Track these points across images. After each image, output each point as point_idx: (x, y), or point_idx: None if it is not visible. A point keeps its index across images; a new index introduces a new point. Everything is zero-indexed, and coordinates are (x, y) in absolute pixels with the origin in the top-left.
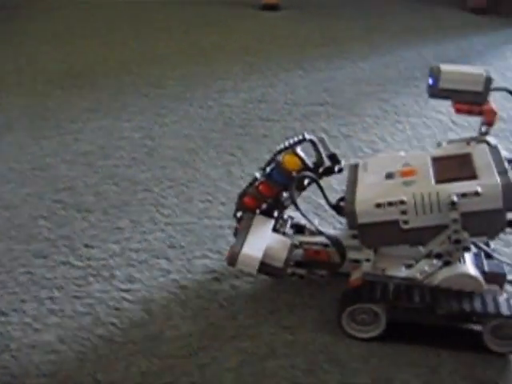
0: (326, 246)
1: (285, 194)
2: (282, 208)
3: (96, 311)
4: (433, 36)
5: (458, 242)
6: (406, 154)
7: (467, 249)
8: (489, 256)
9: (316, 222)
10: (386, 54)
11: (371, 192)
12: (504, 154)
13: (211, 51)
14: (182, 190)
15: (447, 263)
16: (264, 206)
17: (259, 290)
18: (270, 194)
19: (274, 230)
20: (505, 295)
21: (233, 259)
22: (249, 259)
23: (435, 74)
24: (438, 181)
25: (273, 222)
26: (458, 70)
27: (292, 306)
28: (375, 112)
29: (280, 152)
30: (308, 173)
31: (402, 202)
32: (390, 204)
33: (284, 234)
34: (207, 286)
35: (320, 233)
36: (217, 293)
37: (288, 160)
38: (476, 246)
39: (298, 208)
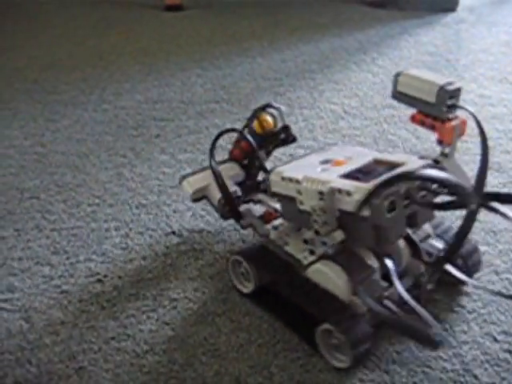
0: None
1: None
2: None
3: None
4: (332, 30)
5: (317, 232)
6: (363, 150)
7: (324, 243)
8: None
9: None
10: (285, 49)
11: (293, 168)
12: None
13: (110, 54)
14: (71, 195)
15: (312, 252)
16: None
17: (141, 288)
18: (247, 150)
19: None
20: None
21: (179, 181)
22: (187, 187)
23: (397, 75)
24: (343, 176)
25: (238, 171)
26: (417, 76)
27: (175, 301)
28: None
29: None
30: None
31: (298, 181)
32: (290, 180)
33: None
34: (90, 288)
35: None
36: (99, 295)
37: (256, 124)
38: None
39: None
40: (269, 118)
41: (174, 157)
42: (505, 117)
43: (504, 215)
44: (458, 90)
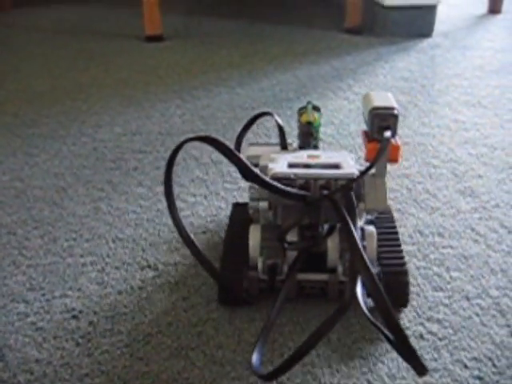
0: None
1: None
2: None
3: None
4: (309, 58)
5: None
6: (348, 157)
7: None
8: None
9: None
10: (263, 78)
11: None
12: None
13: (90, 86)
14: (48, 230)
15: None
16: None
17: (116, 323)
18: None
19: None
20: None
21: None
22: (245, 151)
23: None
24: (291, 165)
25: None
26: (370, 96)
27: (149, 335)
28: (247, 135)
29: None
30: None
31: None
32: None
33: None
34: (65, 325)
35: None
36: (74, 331)
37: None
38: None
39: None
40: (307, 113)
41: (150, 189)
42: (477, 141)
43: None
44: (392, 115)
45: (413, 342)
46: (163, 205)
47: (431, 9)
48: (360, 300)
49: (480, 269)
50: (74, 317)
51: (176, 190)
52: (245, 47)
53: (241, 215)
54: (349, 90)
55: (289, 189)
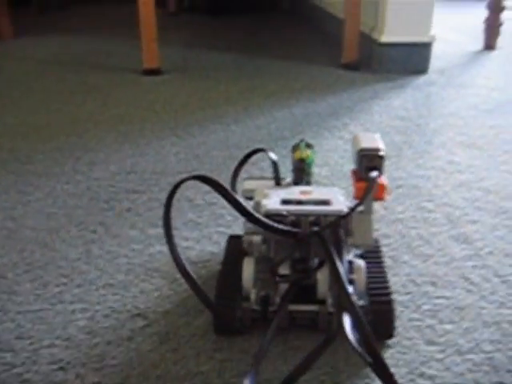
0: None
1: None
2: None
3: None
4: (306, 94)
5: None
6: (338, 195)
7: None
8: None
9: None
10: (260, 115)
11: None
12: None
13: (86, 121)
14: (38, 275)
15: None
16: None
17: (104, 376)
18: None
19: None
20: None
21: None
22: (242, 185)
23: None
24: (284, 202)
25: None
26: (357, 137)
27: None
28: (241, 175)
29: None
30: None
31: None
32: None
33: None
34: (52, 377)
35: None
36: None
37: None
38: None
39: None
40: (300, 150)
41: (143, 232)
42: (472, 184)
43: None
44: (378, 156)
45: None
46: (155, 249)
47: (426, 46)
48: (347, 331)
49: (473, 321)
50: (62, 368)
51: None
52: (242, 82)
53: (235, 248)
54: (344, 128)
55: (280, 226)
